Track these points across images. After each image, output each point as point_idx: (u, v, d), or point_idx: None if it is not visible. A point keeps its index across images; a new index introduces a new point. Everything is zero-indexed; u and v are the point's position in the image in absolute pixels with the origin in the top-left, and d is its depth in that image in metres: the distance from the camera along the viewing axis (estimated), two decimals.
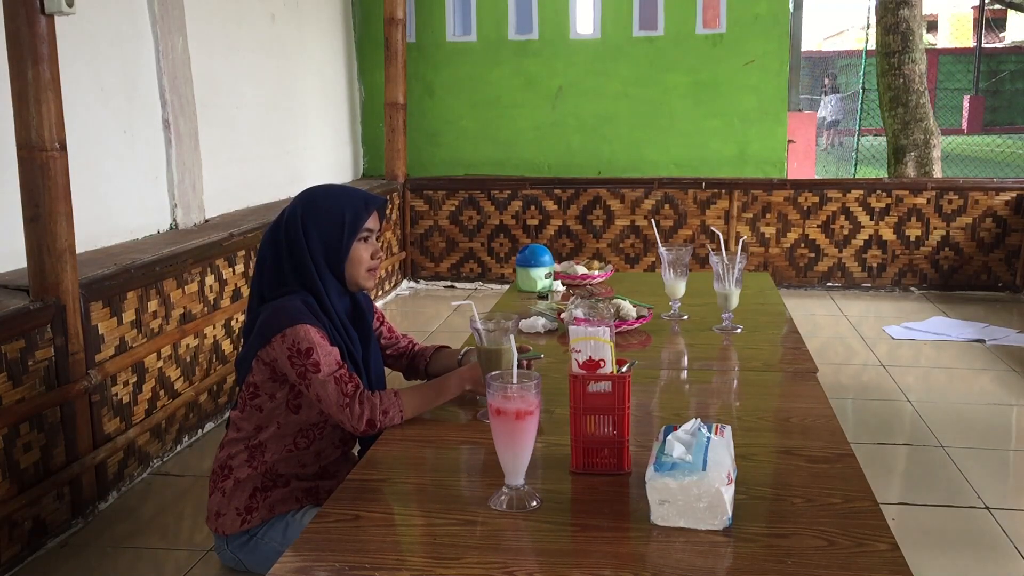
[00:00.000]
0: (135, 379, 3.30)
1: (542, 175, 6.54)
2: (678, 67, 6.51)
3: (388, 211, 6.19)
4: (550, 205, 6.38)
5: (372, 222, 2.10)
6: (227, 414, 3.90)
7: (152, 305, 3.39)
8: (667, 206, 6.23)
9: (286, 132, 5.52)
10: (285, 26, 5.47)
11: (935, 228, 6.08)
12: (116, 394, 3.19)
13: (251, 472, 2.07)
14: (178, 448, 3.58)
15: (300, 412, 2.06)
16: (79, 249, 3.02)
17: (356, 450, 2.22)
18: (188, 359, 3.65)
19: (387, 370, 2.33)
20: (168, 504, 3.18)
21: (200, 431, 3.75)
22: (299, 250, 2.03)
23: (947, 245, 6.07)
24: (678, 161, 6.58)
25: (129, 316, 3.26)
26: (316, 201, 2.08)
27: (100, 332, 3.10)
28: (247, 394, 2.06)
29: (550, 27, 6.63)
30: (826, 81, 19.70)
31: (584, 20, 6.62)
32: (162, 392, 3.47)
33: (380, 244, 2.14)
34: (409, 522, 1.60)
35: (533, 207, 6.39)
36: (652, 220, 5.77)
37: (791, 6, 6.33)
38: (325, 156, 6.23)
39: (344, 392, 1.93)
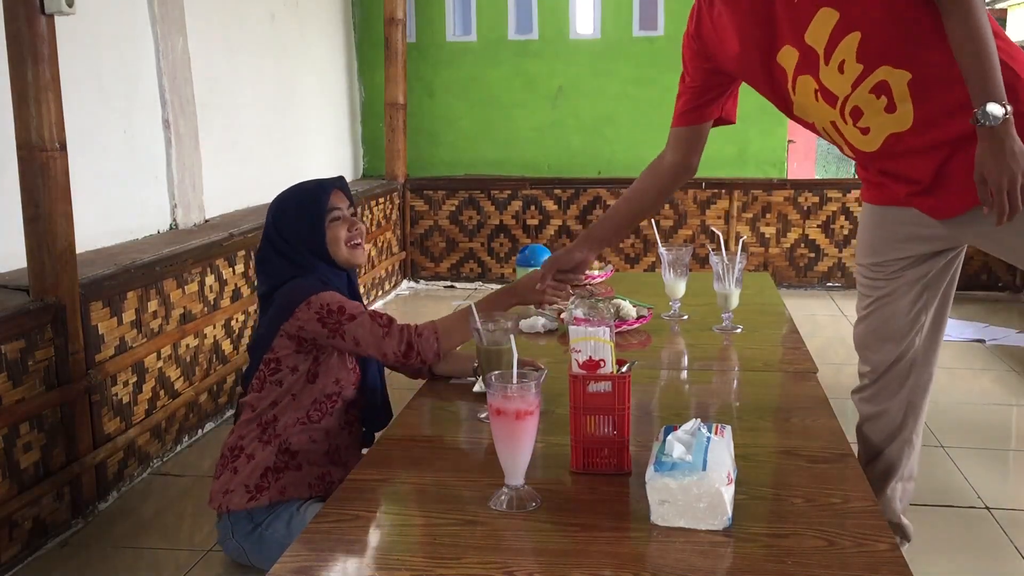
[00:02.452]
0: (135, 379, 3.30)
1: (542, 175, 6.54)
2: (678, 67, 6.47)
3: (388, 211, 6.19)
4: (550, 205, 6.38)
5: (337, 201, 2.19)
6: (228, 414, 3.90)
7: (152, 305, 3.40)
8: (667, 206, 6.23)
9: (286, 132, 5.52)
10: (285, 26, 5.47)
11: None
12: (116, 394, 3.19)
13: (264, 448, 2.08)
14: (178, 448, 3.58)
15: (317, 380, 2.12)
16: (79, 249, 3.02)
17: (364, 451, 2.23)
18: (188, 359, 3.65)
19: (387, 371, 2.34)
20: (168, 504, 3.18)
21: (200, 431, 3.75)
22: (287, 253, 2.14)
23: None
24: None
25: (129, 316, 3.26)
26: (281, 205, 2.23)
27: (100, 332, 3.10)
28: (267, 371, 2.10)
29: (550, 27, 6.63)
30: None
31: (584, 20, 6.62)
32: (162, 392, 3.47)
33: (361, 219, 2.26)
34: (409, 522, 1.60)
35: (533, 207, 6.40)
36: (652, 220, 5.77)
37: None
38: (325, 156, 6.23)
39: (380, 324, 2.06)
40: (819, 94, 2.04)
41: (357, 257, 2.20)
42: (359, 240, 2.21)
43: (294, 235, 2.14)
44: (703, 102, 2.28)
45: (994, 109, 1.79)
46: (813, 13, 1.95)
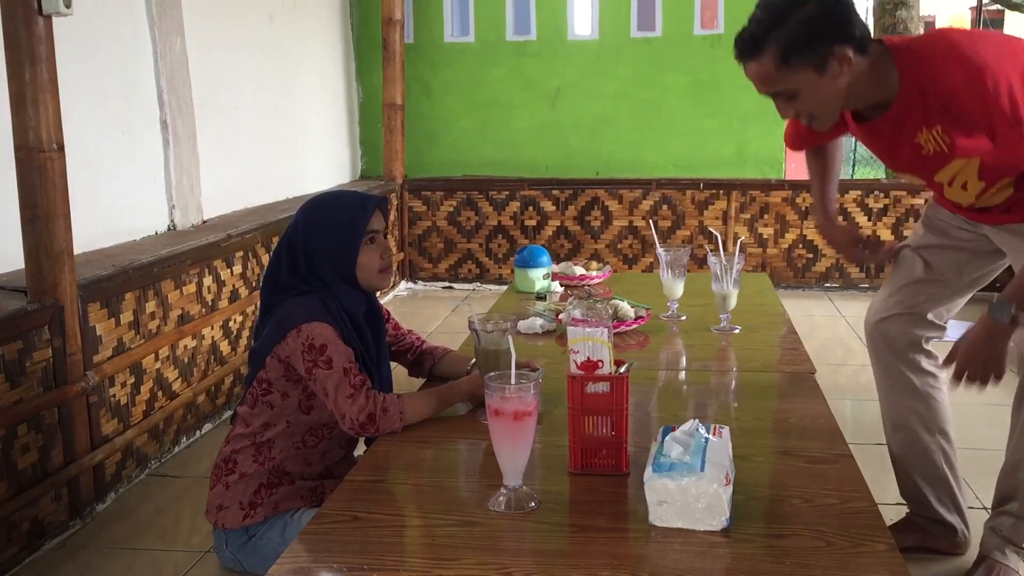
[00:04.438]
0: (133, 380, 3.30)
1: (540, 176, 6.54)
2: (676, 68, 6.51)
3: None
4: (548, 206, 6.38)
5: (375, 222, 2.11)
6: (226, 415, 3.90)
7: (150, 306, 3.39)
8: (665, 207, 6.23)
9: (284, 133, 5.51)
10: (283, 27, 5.47)
11: None
12: (114, 395, 3.19)
13: (257, 468, 2.07)
14: (176, 449, 3.58)
15: (312, 413, 2.06)
16: (77, 250, 3.02)
17: (363, 450, 2.23)
18: (186, 360, 3.65)
19: (392, 364, 2.34)
20: (166, 505, 3.18)
21: (198, 432, 3.74)
22: (299, 265, 2.06)
23: None
24: (676, 162, 6.58)
25: (127, 317, 3.26)
26: (315, 215, 2.09)
27: (98, 333, 3.10)
28: (259, 390, 2.06)
29: (548, 28, 6.63)
30: None
31: (582, 21, 6.62)
32: (160, 393, 3.47)
33: (388, 240, 2.16)
34: (407, 523, 1.60)
35: (531, 208, 6.39)
36: (650, 221, 5.77)
37: None
38: (323, 157, 6.23)
39: (351, 384, 1.94)
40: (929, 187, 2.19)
41: (383, 283, 2.14)
42: (388, 267, 2.14)
43: (324, 251, 2.05)
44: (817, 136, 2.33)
45: (1005, 313, 1.88)
46: (947, 162, 2.03)
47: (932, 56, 1.88)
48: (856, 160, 12.66)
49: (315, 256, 2.05)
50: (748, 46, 1.91)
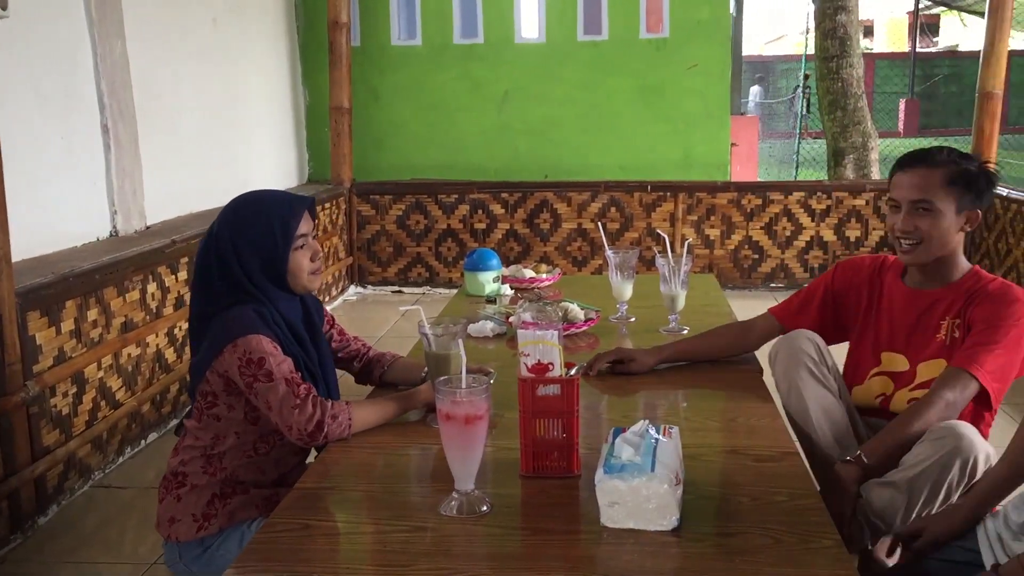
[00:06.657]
0: (75, 390, 3.23)
1: (489, 179, 6.54)
2: (623, 71, 6.56)
3: (334, 216, 6.14)
4: (497, 209, 6.38)
5: (304, 226, 2.04)
6: (172, 423, 3.83)
7: (92, 314, 3.32)
8: (613, 209, 6.28)
9: (229, 137, 5.45)
10: (227, 30, 5.40)
11: (874, 228, 6.21)
12: (55, 405, 3.12)
13: (209, 479, 2.02)
14: (120, 460, 3.51)
15: (259, 423, 2.02)
16: (15, 257, 2.95)
17: (314, 457, 2.19)
18: (130, 368, 3.58)
19: (339, 372, 2.31)
20: (111, 517, 3.12)
21: (143, 441, 3.68)
22: (233, 270, 1.98)
23: (886, 245, 6.21)
24: (624, 164, 6.63)
25: (68, 326, 3.19)
26: (241, 217, 2.01)
27: (38, 342, 3.03)
28: (203, 404, 2.00)
29: (495, 31, 6.64)
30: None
31: (529, 24, 6.65)
32: (103, 403, 3.40)
33: (319, 242, 2.13)
34: (358, 530, 1.59)
35: (480, 211, 6.39)
36: (599, 223, 5.80)
37: (732, 11, 6.42)
38: (270, 161, 6.17)
39: (296, 394, 1.89)
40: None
41: (314, 284, 2.09)
42: (319, 269, 2.09)
43: (252, 252, 1.98)
44: (803, 314, 2.42)
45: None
46: (942, 356, 2.14)
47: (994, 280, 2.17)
48: (799, 163, 12.87)
49: (245, 262, 1.98)
50: (930, 155, 2.17)
